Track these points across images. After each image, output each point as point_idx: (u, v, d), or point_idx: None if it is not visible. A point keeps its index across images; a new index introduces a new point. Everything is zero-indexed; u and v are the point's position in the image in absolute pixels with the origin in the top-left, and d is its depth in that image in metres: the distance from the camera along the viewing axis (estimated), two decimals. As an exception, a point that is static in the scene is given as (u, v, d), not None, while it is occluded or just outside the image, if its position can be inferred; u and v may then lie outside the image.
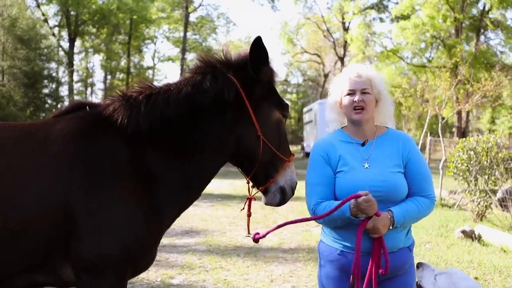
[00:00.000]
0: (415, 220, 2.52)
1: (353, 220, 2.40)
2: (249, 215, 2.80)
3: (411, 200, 2.50)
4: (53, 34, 34.61)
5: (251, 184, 2.80)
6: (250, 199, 2.79)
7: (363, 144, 2.57)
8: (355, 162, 2.52)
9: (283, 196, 2.73)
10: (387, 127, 2.67)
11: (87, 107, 2.68)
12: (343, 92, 2.58)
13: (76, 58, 40.19)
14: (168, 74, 50.78)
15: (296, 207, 10.18)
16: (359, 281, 2.40)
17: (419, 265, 2.47)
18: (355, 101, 2.51)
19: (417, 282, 2.46)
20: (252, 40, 2.61)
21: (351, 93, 2.53)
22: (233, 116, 2.62)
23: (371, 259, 2.40)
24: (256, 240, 2.58)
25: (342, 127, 2.69)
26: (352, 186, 2.45)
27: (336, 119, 2.70)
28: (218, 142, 2.64)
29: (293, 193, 2.78)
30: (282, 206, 2.87)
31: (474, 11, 32.17)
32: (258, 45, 2.59)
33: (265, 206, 2.83)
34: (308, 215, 2.58)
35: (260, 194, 2.81)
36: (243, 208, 2.82)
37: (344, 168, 2.51)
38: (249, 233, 2.78)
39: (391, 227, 2.41)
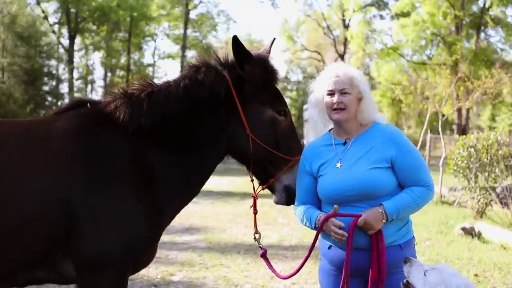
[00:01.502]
0: (413, 210, 2.45)
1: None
2: (255, 213, 2.82)
3: (404, 191, 2.44)
4: (53, 32, 34.53)
5: (256, 182, 2.81)
6: (255, 198, 2.79)
7: (344, 143, 2.54)
8: (331, 164, 2.51)
9: (289, 195, 2.70)
10: (374, 122, 2.58)
11: (88, 104, 2.69)
12: (324, 92, 2.56)
13: (76, 56, 40.10)
14: (168, 72, 50.54)
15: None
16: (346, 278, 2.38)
17: (407, 260, 2.35)
18: (334, 102, 2.49)
19: (404, 280, 2.34)
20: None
21: (331, 93, 2.52)
22: (225, 114, 2.64)
23: (372, 257, 2.37)
24: (261, 256, 2.73)
25: (330, 129, 2.67)
26: (323, 189, 2.48)
27: (317, 117, 2.64)
28: (215, 140, 2.67)
29: None
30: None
31: (474, 8, 32.08)
32: (236, 44, 2.60)
33: (265, 203, 2.84)
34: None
35: (264, 192, 2.81)
36: (252, 206, 2.83)
37: (323, 172, 2.52)
38: (256, 231, 2.80)
39: (384, 221, 2.36)
